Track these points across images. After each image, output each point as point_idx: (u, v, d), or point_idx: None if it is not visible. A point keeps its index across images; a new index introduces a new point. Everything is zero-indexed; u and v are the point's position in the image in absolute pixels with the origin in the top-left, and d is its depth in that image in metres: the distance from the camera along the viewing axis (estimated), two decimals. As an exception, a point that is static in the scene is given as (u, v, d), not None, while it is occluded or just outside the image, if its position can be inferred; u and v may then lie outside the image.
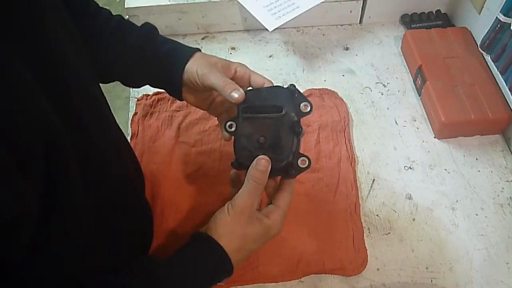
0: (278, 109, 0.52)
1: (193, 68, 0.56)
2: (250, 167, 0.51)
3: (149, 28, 0.61)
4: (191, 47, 0.60)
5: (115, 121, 0.57)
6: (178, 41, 0.85)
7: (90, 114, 0.45)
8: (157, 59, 0.59)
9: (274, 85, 0.56)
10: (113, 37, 0.59)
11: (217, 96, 0.62)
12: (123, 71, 0.61)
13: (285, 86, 0.54)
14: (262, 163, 0.50)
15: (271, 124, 0.52)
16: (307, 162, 0.52)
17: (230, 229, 0.51)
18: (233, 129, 0.53)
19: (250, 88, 0.57)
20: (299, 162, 0.52)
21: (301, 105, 0.53)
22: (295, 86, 0.54)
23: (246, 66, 0.59)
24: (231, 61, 0.59)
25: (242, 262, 0.53)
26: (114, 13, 0.62)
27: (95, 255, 0.46)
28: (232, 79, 0.56)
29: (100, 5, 0.62)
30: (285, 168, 0.52)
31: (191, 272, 0.50)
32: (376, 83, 0.84)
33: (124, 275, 0.47)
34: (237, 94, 0.52)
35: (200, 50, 0.60)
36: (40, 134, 0.35)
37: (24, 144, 0.33)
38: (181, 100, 0.61)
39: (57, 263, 0.41)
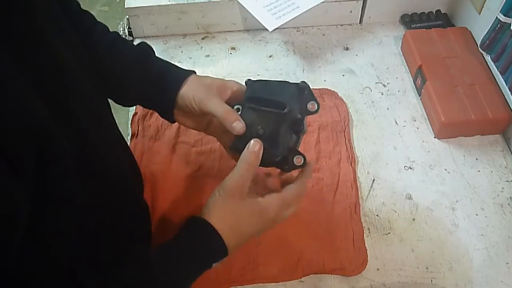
0: (281, 106, 0.53)
1: (189, 93, 0.56)
2: (244, 150, 0.51)
3: (144, 48, 0.60)
4: (185, 70, 0.59)
5: (115, 122, 0.57)
6: (178, 41, 0.85)
7: (86, 115, 0.45)
8: (150, 80, 0.58)
9: (285, 80, 0.56)
10: (107, 53, 0.58)
11: (213, 120, 0.61)
12: (115, 87, 0.60)
13: (297, 82, 0.55)
14: (254, 145, 0.51)
15: (272, 119, 0.53)
16: (302, 161, 0.53)
17: (220, 208, 0.51)
18: (238, 113, 0.54)
19: (259, 79, 0.57)
20: (294, 159, 0.53)
21: (309, 104, 0.53)
22: (306, 83, 0.54)
23: (240, 83, 0.59)
24: (225, 80, 0.59)
25: (239, 245, 0.52)
26: (114, 13, 0.62)
27: (92, 255, 0.46)
28: (229, 99, 0.56)
29: (100, 5, 0.62)
30: (279, 163, 0.53)
31: (183, 252, 0.50)
32: (376, 83, 0.84)
33: (118, 265, 0.47)
34: (238, 126, 0.52)
35: (195, 72, 0.59)
36: (32, 134, 0.35)
37: (15, 144, 0.33)
38: (172, 122, 0.61)
39: (54, 263, 0.41)
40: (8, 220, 0.33)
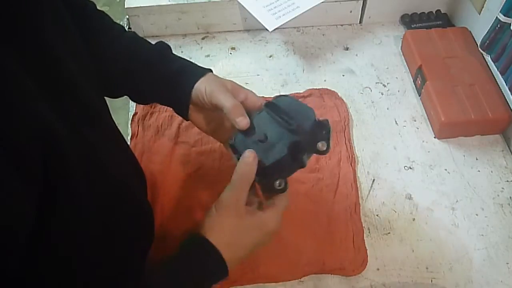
0: (291, 125, 0.51)
1: (201, 86, 0.56)
2: (238, 162, 0.50)
3: (162, 46, 0.60)
4: (203, 67, 0.59)
5: (114, 123, 0.57)
6: (178, 41, 0.85)
7: (86, 117, 0.46)
8: (167, 75, 0.58)
9: (311, 108, 0.53)
10: (125, 52, 0.59)
11: (224, 121, 0.60)
12: (132, 86, 0.60)
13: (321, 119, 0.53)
14: (248, 156, 0.49)
15: (278, 132, 0.52)
16: (282, 185, 0.52)
17: (217, 224, 0.50)
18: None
19: (287, 94, 0.56)
20: (277, 181, 0.51)
21: (319, 143, 0.51)
22: (328, 124, 0.52)
23: (256, 95, 0.58)
24: (242, 86, 0.58)
25: (239, 260, 0.52)
26: (114, 13, 0.63)
27: (95, 256, 0.46)
28: (242, 103, 0.54)
29: (100, 5, 0.62)
30: (262, 178, 0.51)
31: (182, 271, 0.49)
32: (376, 83, 0.84)
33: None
34: (242, 122, 0.51)
35: (211, 71, 0.59)
36: (39, 136, 0.35)
37: (22, 146, 0.33)
38: (187, 120, 0.60)
39: (57, 265, 0.41)
40: (14, 221, 0.33)
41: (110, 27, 0.60)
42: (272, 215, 0.52)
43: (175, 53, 0.61)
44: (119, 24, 0.62)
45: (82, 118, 0.44)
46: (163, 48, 0.60)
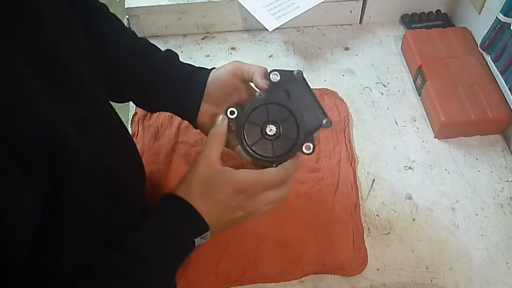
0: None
1: (215, 73, 0.58)
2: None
3: (170, 53, 0.62)
4: (210, 69, 0.60)
5: (122, 123, 0.57)
6: (178, 41, 0.85)
7: (94, 118, 0.46)
8: (176, 80, 0.59)
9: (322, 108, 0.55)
10: (137, 56, 0.59)
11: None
12: (141, 91, 0.61)
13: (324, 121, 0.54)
14: (222, 120, 0.54)
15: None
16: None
17: (186, 179, 0.53)
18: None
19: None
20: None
21: (305, 144, 0.54)
22: (328, 124, 0.54)
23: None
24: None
25: (221, 219, 0.51)
26: (114, 13, 0.63)
27: (96, 256, 0.47)
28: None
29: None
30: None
31: (157, 228, 0.50)
32: (376, 83, 0.84)
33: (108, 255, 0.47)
34: (264, 82, 0.54)
35: None
36: (44, 137, 0.35)
37: (27, 147, 0.33)
38: (196, 127, 0.61)
39: (57, 262, 0.42)
40: (19, 222, 0.33)
41: (121, 31, 0.61)
42: (248, 176, 0.50)
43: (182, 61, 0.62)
44: (129, 29, 0.62)
45: (88, 117, 0.45)
46: (172, 55, 0.61)
